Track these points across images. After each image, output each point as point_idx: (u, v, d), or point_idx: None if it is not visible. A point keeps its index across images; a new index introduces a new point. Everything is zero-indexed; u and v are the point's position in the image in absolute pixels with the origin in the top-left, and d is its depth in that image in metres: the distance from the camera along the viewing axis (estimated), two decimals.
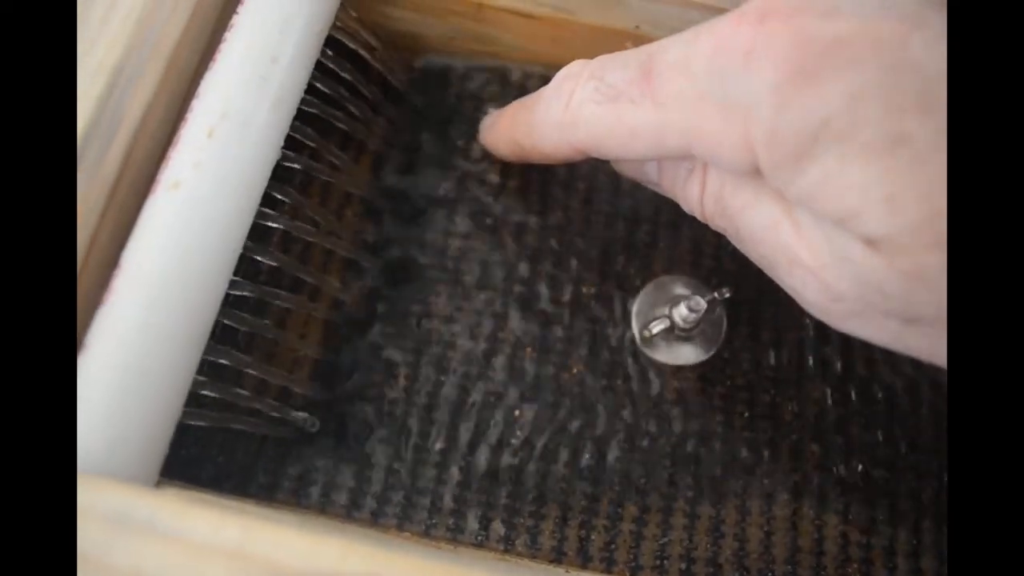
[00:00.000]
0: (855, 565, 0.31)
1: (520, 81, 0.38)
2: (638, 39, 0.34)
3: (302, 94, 0.30)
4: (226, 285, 0.27)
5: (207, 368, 0.27)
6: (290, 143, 0.29)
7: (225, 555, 0.20)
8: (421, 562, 0.20)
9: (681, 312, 0.32)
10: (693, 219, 0.36)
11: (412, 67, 0.38)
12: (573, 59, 0.37)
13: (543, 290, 0.34)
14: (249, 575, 0.20)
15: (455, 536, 0.30)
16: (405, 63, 0.38)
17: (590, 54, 0.36)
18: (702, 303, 0.31)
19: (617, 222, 0.35)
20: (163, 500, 0.21)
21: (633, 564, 0.30)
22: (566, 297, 0.34)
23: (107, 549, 0.21)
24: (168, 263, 0.25)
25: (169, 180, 0.26)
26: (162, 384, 0.24)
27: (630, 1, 0.33)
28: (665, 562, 0.30)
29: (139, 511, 0.21)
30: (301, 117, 0.30)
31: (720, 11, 0.33)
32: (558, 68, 0.36)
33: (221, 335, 0.28)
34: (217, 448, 0.31)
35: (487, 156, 0.36)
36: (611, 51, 0.36)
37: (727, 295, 0.32)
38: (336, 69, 0.32)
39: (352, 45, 0.33)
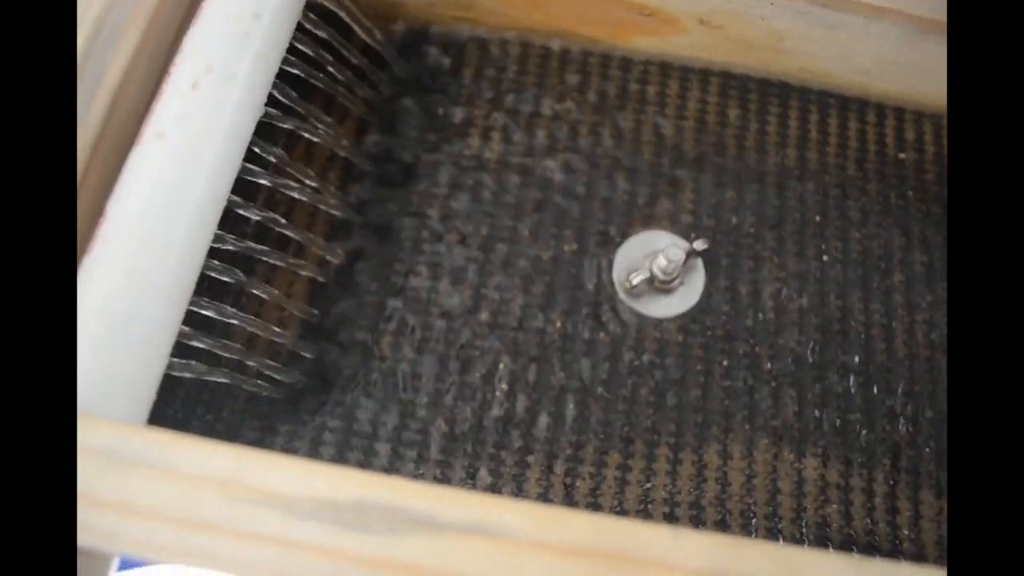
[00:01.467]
0: (834, 506, 0.32)
1: (499, 47, 0.38)
2: (621, 2, 0.35)
3: (284, 52, 0.30)
4: (211, 235, 0.27)
5: (195, 320, 0.27)
6: (275, 104, 0.30)
7: (217, 483, 0.21)
8: (413, 486, 0.21)
9: (660, 263, 0.32)
10: (673, 176, 0.37)
11: (394, 34, 0.39)
12: (553, 24, 0.38)
13: (525, 247, 0.35)
14: (242, 502, 0.20)
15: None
16: (388, 30, 0.38)
17: (564, 18, 0.37)
18: (680, 253, 0.32)
19: (598, 181, 0.36)
20: (151, 435, 0.22)
21: (618, 509, 0.31)
22: (548, 253, 0.35)
23: (98, 484, 0.21)
24: (153, 212, 0.25)
25: (154, 131, 0.26)
26: (148, 329, 0.25)
27: None
28: (649, 506, 0.31)
29: (128, 446, 0.21)
30: (286, 79, 0.30)
31: None
32: (538, 33, 0.37)
33: (209, 290, 0.28)
34: (204, 406, 0.32)
35: (467, 120, 0.37)
36: (591, 15, 0.37)
37: (705, 246, 0.33)
38: (320, 34, 0.33)
39: (334, 9, 0.34)
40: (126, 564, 0.36)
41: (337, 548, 0.20)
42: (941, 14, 0.34)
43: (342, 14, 0.34)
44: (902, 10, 0.34)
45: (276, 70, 0.30)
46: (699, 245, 0.32)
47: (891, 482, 0.32)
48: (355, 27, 0.35)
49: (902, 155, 0.38)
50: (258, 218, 0.30)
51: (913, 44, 0.35)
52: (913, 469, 0.33)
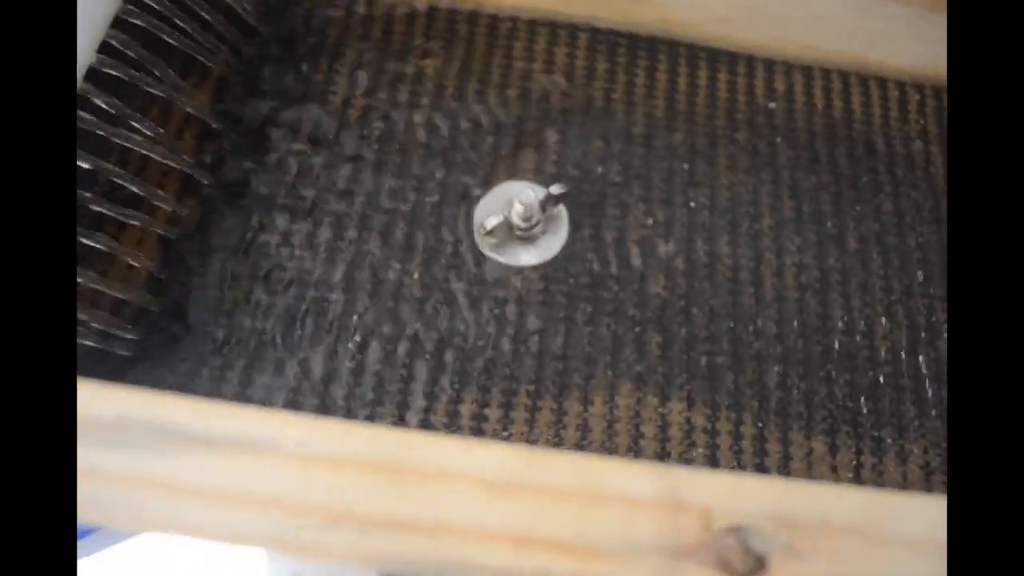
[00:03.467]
0: (699, 449, 0.31)
1: (366, 7, 0.38)
2: None
3: None
4: None
5: None
6: (130, 63, 0.29)
7: None
8: (178, 401, 0.20)
9: (516, 209, 0.32)
10: (538, 128, 0.36)
11: None
12: None
13: (384, 201, 0.34)
14: None
15: None
16: None
17: None
18: (532, 195, 0.31)
19: (461, 135, 0.36)
20: None
21: None
22: (407, 206, 0.34)
23: None
24: None
25: None
26: None
27: None
28: None
29: None
30: (143, 40, 0.30)
31: None
32: None
33: None
34: None
35: (330, 79, 0.36)
36: None
37: (562, 190, 0.32)
38: None
39: None
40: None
41: (98, 467, 0.19)
42: None
43: None
44: None
45: None
46: (556, 189, 0.32)
47: (759, 424, 0.32)
48: None
49: (772, 105, 0.38)
50: (109, 175, 0.29)
51: None
52: (782, 410, 0.32)
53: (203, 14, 0.34)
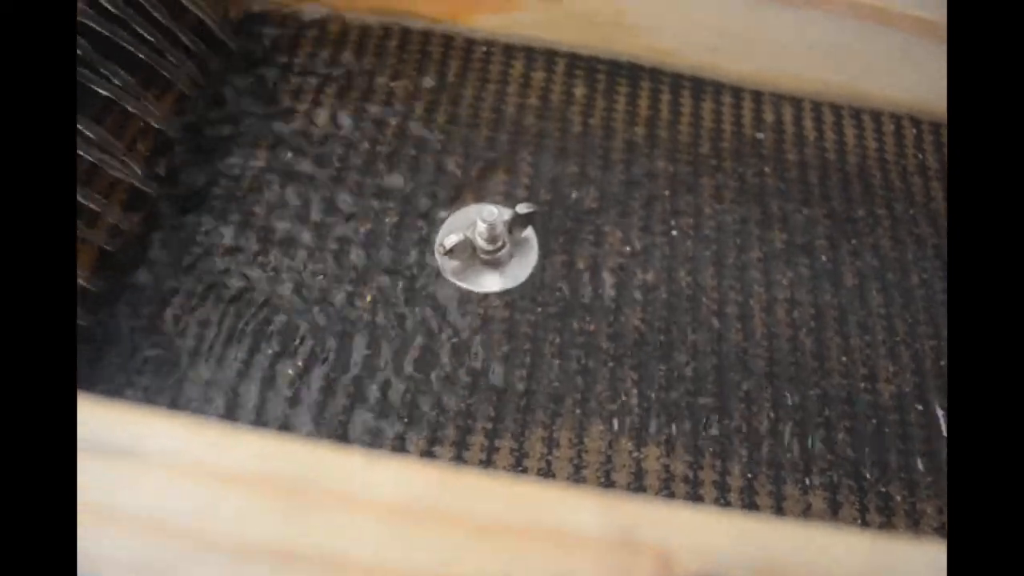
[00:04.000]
0: (680, 501, 0.27)
1: (339, 26, 0.37)
2: None
3: None
4: None
5: None
6: (87, 66, 0.28)
7: None
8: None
9: (479, 229, 0.29)
10: (510, 151, 0.34)
11: (235, 12, 0.37)
12: (392, 3, 0.36)
13: (340, 221, 0.31)
14: None
15: None
16: (228, 8, 0.37)
17: None
18: (495, 213, 0.29)
19: (427, 156, 0.33)
20: None
21: None
22: (365, 227, 0.31)
23: None
24: None
25: None
26: None
27: None
28: None
29: None
30: (103, 48, 0.29)
31: None
32: (377, 13, 0.36)
33: None
34: None
35: (296, 97, 0.34)
36: None
37: (529, 210, 0.30)
38: (150, 10, 0.31)
39: None
40: None
41: None
42: None
43: None
44: None
45: None
46: (522, 208, 0.29)
47: (749, 475, 0.28)
48: (191, 7, 0.34)
49: (760, 135, 0.36)
50: None
51: (755, 15, 0.34)
52: (775, 460, 0.28)
53: (170, 26, 0.33)
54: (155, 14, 0.32)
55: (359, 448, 0.26)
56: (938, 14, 0.34)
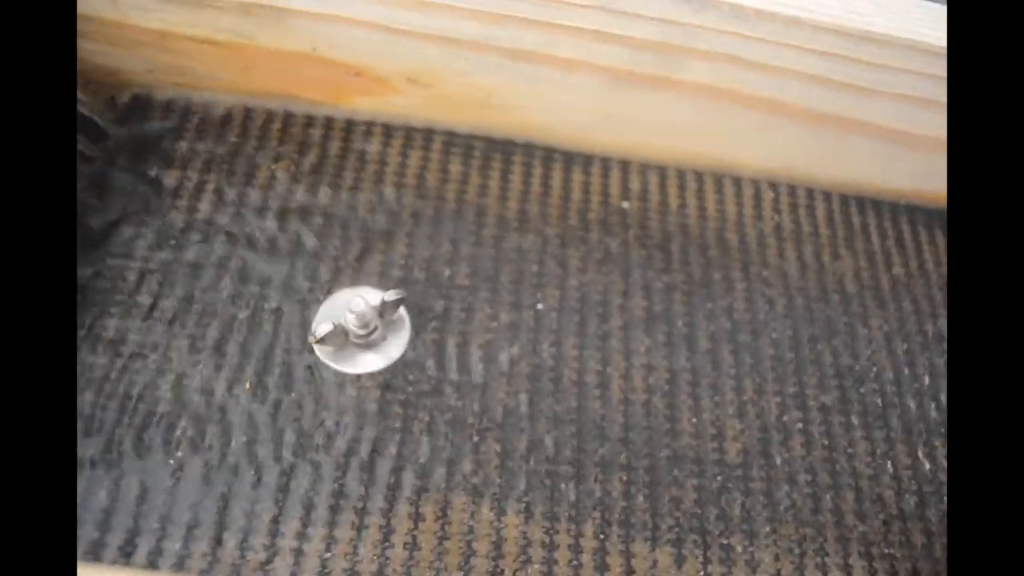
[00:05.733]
0: (535, 565, 0.30)
1: (223, 111, 0.38)
2: (316, 61, 0.36)
3: None
4: None
5: None
6: None
7: None
8: None
9: (349, 317, 0.31)
10: (387, 231, 0.36)
11: (119, 101, 0.38)
12: (266, 87, 0.38)
13: (221, 307, 0.33)
14: None
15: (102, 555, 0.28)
16: (112, 98, 0.38)
17: (280, 81, 0.38)
18: (362, 303, 0.31)
19: (307, 240, 0.35)
20: None
21: None
22: (245, 313, 0.33)
23: None
24: None
25: None
26: None
27: (299, 24, 0.34)
28: None
29: None
30: None
31: (391, 31, 0.34)
32: (259, 97, 0.37)
33: None
34: None
35: (179, 183, 0.36)
36: (300, 75, 0.37)
37: (397, 297, 0.32)
38: None
39: None
40: None
41: None
42: (632, 64, 0.35)
43: None
44: (593, 62, 0.35)
45: None
46: (390, 296, 0.32)
47: (601, 536, 0.31)
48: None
49: (625, 204, 0.38)
50: None
51: (616, 96, 0.36)
52: (626, 521, 0.31)
53: None
54: None
55: (248, 536, 0.28)
56: (789, 96, 0.36)
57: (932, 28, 0.34)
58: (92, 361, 0.31)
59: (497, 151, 0.38)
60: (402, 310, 0.33)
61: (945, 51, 0.34)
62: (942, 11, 0.35)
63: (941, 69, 0.35)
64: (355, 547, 0.29)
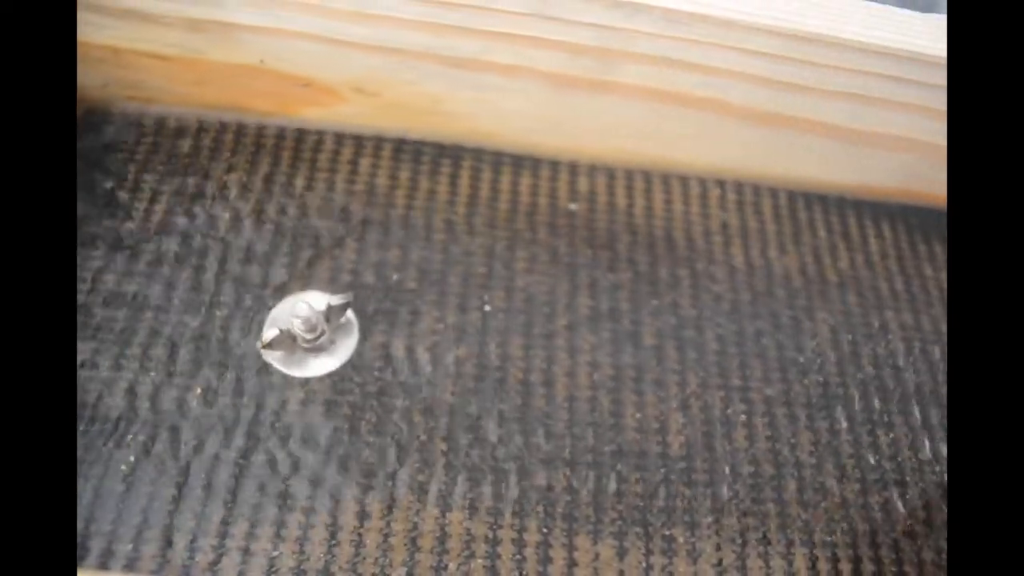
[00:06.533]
0: (479, 560, 0.30)
1: (176, 123, 0.39)
2: (266, 73, 0.37)
3: None
4: None
5: None
6: None
7: None
8: None
9: (295, 321, 0.32)
10: (336, 238, 0.37)
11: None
12: (218, 99, 0.39)
13: (173, 316, 0.34)
14: None
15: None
16: None
17: (231, 93, 0.38)
18: (306, 308, 0.32)
19: (258, 247, 0.36)
20: None
21: None
22: (196, 321, 0.34)
23: None
24: None
25: None
26: None
27: (247, 38, 0.35)
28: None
29: None
30: None
31: (335, 43, 0.35)
32: (212, 108, 0.38)
33: None
34: None
35: (132, 196, 0.37)
36: (250, 87, 0.38)
37: (343, 301, 0.33)
38: None
39: None
40: None
41: None
42: (571, 68, 0.36)
43: None
44: (534, 68, 0.36)
45: None
46: (336, 300, 0.32)
47: (544, 531, 0.31)
48: None
49: (573, 206, 0.39)
50: None
51: (560, 100, 0.37)
52: (569, 515, 0.32)
53: None
54: None
55: (196, 538, 0.29)
56: (730, 95, 0.37)
57: (866, 27, 0.35)
58: None
59: (446, 157, 0.39)
60: (350, 314, 0.34)
61: (879, 48, 0.35)
62: (877, 8, 0.36)
63: (880, 66, 0.36)
64: (302, 546, 0.30)
